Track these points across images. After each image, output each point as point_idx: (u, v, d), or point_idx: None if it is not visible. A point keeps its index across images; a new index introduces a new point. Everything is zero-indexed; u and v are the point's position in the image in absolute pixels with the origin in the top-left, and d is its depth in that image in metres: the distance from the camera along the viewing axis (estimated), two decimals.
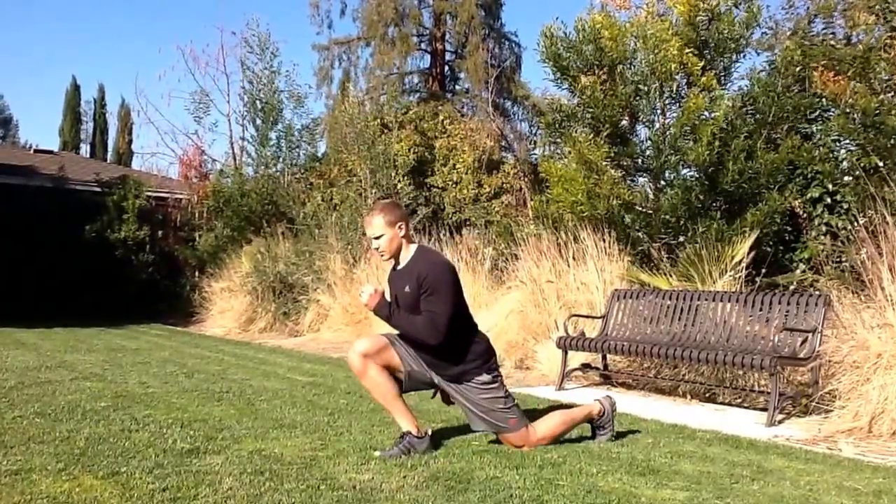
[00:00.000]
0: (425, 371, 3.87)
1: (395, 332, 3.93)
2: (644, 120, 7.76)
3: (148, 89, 46.07)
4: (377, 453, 3.73)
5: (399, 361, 3.84)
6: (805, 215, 6.94)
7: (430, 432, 3.89)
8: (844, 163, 6.90)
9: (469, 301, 8.93)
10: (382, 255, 3.88)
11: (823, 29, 7.88)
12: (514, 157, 15.24)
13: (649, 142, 7.63)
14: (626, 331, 6.28)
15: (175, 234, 15.66)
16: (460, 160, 13.27)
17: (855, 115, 6.59)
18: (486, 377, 3.85)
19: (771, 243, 6.95)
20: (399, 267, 3.89)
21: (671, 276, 6.81)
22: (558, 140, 8.33)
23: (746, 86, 7.62)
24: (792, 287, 6.53)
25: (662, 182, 7.67)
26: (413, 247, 3.89)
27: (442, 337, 3.70)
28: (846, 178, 6.75)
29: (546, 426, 4.02)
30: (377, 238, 3.81)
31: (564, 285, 7.41)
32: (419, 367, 3.86)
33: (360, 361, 3.77)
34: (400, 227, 3.81)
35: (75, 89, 35.52)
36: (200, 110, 15.52)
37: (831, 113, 7.14)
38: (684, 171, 7.44)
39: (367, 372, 3.78)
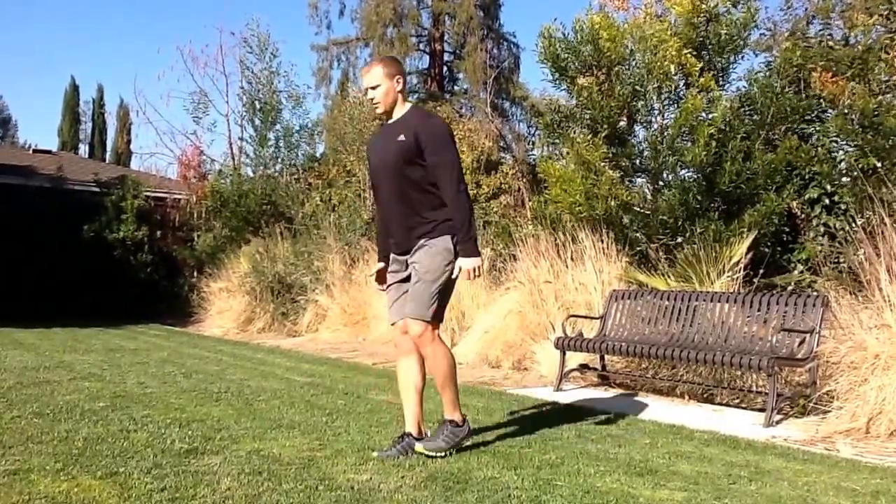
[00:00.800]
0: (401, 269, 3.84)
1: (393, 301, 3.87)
2: (642, 121, 7.78)
3: (147, 89, 46.13)
4: (375, 454, 3.73)
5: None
6: (803, 216, 6.95)
7: (429, 434, 3.90)
8: (842, 164, 6.92)
9: (467, 301, 8.93)
10: (377, 107, 3.85)
11: (821, 30, 7.90)
12: (513, 158, 15.26)
13: (647, 143, 7.64)
14: (625, 331, 6.28)
15: (173, 234, 15.66)
16: None
17: (853, 116, 6.61)
18: (446, 240, 3.68)
19: (769, 244, 6.95)
20: (390, 122, 3.86)
21: (669, 276, 6.81)
22: (556, 141, 8.33)
23: (744, 87, 7.64)
24: (790, 288, 6.54)
25: (660, 183, 7.68)
26: (408, 104, 3.86)
27: (462, 183, 3.68)
28: (844, 179, 6.76)
29: (443, 354, 3.75)
30: (374, 88, 3.78)
31: (563, 286, 7.41)
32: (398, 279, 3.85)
33: (407, 343, 3.79)
34: (398, 81, 3.79)
35: (74, 89, 35.51)
36: (199, 111, 15.54)
37: (829, 114, 7.15)
38: (682, 171, 7.45)
39: (410, 355, 3.79)
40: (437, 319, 3.75)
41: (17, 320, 11.24)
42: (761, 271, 6.65)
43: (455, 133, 14.62)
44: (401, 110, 3.83)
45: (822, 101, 7.15)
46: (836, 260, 6.33)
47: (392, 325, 3.94)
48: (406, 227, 3.76)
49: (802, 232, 6.99)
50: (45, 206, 14.04)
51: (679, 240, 7.19)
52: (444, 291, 3.75)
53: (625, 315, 6.38)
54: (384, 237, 4.00)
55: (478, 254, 3.70)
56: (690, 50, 7.28)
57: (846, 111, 6.66)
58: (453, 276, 3.72)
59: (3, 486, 3.13)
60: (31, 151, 21.18)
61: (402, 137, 3.69)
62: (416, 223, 3.72)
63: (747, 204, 7.03)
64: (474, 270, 3.67)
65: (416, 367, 3.82)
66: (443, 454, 3.70)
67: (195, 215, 15.21)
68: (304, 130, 14.92)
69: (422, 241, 3.72)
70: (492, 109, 19.26)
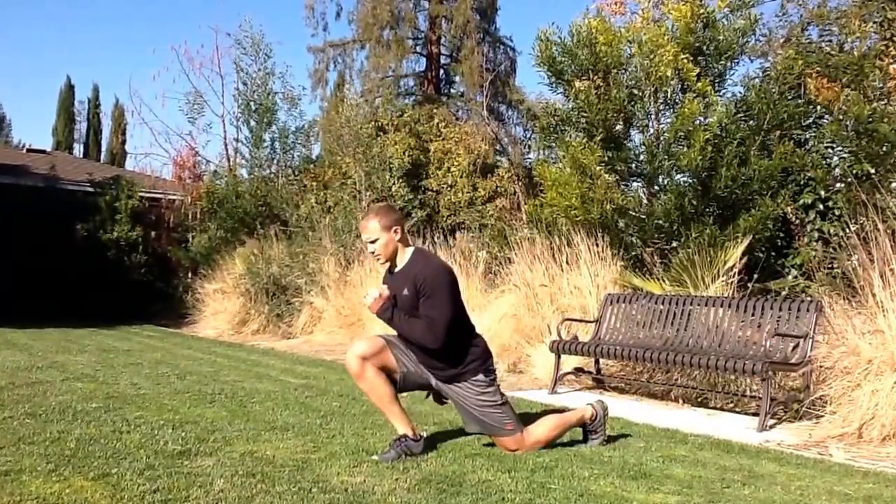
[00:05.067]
0: (421, 372, 3.88)
1: (393, 332, 3.93)
2: (638, 125, 7.79)
3: (142, 90, 45.72)
4: (375, 457, 3.72)
5: (395, 363, 3.84)
6: (797, 221, 6.97)
7: (425, 435, 3.89)
8: (837, 169, 6.95)
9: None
10: (378, 259, 3.89)
11: (819, 37, 7.93)
12: (509, 161, 15.27)
13: (643, 147, 7.66)
14: (619, 335, 6.29)
15: (168, 235, 15.60)
16: (455, 163, 13.29)
17: (848, 122, 6.63)
18: (482, 378, 3.85)
19: (763, 249, 6.97)
20: (396, 270, 3.88)
21: (664, 280, 6.83)
22: (552, 144, 8.35)
23: (740, 92, 7.67)
24: (784, 293, 6.56)
25: (656, 187, 7.70)
26: (409, 250, 3.88)
27: (440, 342, 3.71)
28: (838, 185, 6.78)
29: (541, 430, 4.00)
30: (372, 242, 3.82)
31: (558, 289, 7.42)
32: (415, 369, 3.87)
33: (358, 364, 3.77)
34: (395, 231, 3.81)
35: (69, 89, 35.35)
36: (194, 111, 15.50)
37: (825, 120, 7.18)
38: (678, 176, 7.47)
39: (364, 374, 3.78)
40: (519, 426, 3.90)
41: (9, 320, 11.19)
42: (756, 276, 6.67)
43: (451, 136, 14.64)
44: (403, 257, 3.87)
45: (817, 107, 7.18)
46: (829, 265, 6.35)
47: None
48: (430, 365, 3.87)
49: (797, 237, 7.02)
50: (38, 205, 13.97)
51: (674, 244, 7.21)
52: (505, 406, 3.91)
53: (620, 319, 6.39)
54: None
55: (385, 318, 3.83)
56: (687, 55, 7.30)
57: (841, 117, 6.69)
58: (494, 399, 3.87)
59: None
60: (24, 151, 21.08)
61: (406, 292, 3.77)
62: (440, 366, 3.85)
63: (742, 209, 7.05)
64: (368, 297, 3.84)
65: (380, 381, 3.80)
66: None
67: (190, 216, 15.17)
68: (299, 132, 14.90)
69: (461, 381, 3.85)
70: (488, 113, 19.28)
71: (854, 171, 6.48)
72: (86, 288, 13.82)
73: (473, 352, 3.86)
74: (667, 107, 7.57)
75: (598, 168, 7.50)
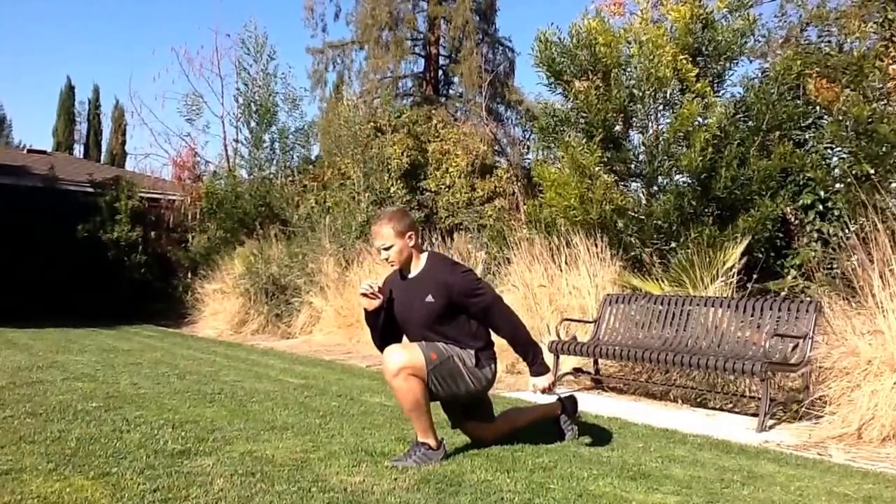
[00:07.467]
0: None
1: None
2: (637, 125, 7.80)
3: (142, 90, 45.61)
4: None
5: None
6: (797, 222, 6.98)
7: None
8: (836, 170, 6.95)
9: None
10: (392, 265, 3.80)
11: (819, 37, 7.94)
12: (508, 162, 15.25)
13: (642, 147, 7.66)
14: (618, 335, 6.29)
15: (168, 235, 15.60)
16: (453, 164, 13.29)
17: (847, 123, 6.64)
18: (470, 355, 3.78)
19: (762, 249, 6.98)
20: (410, 276, 3.79)
21: (663, 281, 6.83)
22: (551, 145, 8.35)
23: (740, 93, 7.68)
24: (783, 293, 6.56)
25: (655, 187, 7.70)
26: (424, 255, 3.81)
27: (515, 316, 3.96)
28: (838, 186, 6.79)
29: (409, 390, 3.64)
30: (386, 249, 3.72)
31: (557, 290, 7.42)
32: None
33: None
34: (410, 237, 3.73)
35: (70, 90, 35.35)
36: (192, 112, 15.49)
37: (824, 120, 7.19)
38: (677, 176, 7.48)
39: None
40: (420, 370, 3.62)
41: (10, 320, 11.19)
42: (755, 276, 6.67)
43: (450, 137, 14.61)
44: (418, 263, 3.78)
45: (817, 107, 7.18)
46: (829, 266, 6.36)
47: None
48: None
49: (796, 237, 7.02)
50: (38, 206, 13.99)
51: (673, 244, 7.21)
52: (452, 377, 3.71)
53: (619, 319, 6.39)
54: None
55: (548, 371, 3.90)
56: (686, 56, 7.31)
57: (840, 118, 6.69)
58: (481, 386, 3.87)
59: None
60: (25, 151, 21.09)
61: (430, 299, 3.66)
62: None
63: (741, 209, 7.05)
64: (549, 387, 3.87)
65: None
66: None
67: (189, 216, 15.16)
68: (299, 133, 14.91)
69: None
70: (487, 113, 19.23)
71: (853, 172, 6.49)
72: (86, 288, 13.84)
73: (487, 347, 3.91)
74: (666, 107, 7.57)
75: (597, 168, 7.50)
